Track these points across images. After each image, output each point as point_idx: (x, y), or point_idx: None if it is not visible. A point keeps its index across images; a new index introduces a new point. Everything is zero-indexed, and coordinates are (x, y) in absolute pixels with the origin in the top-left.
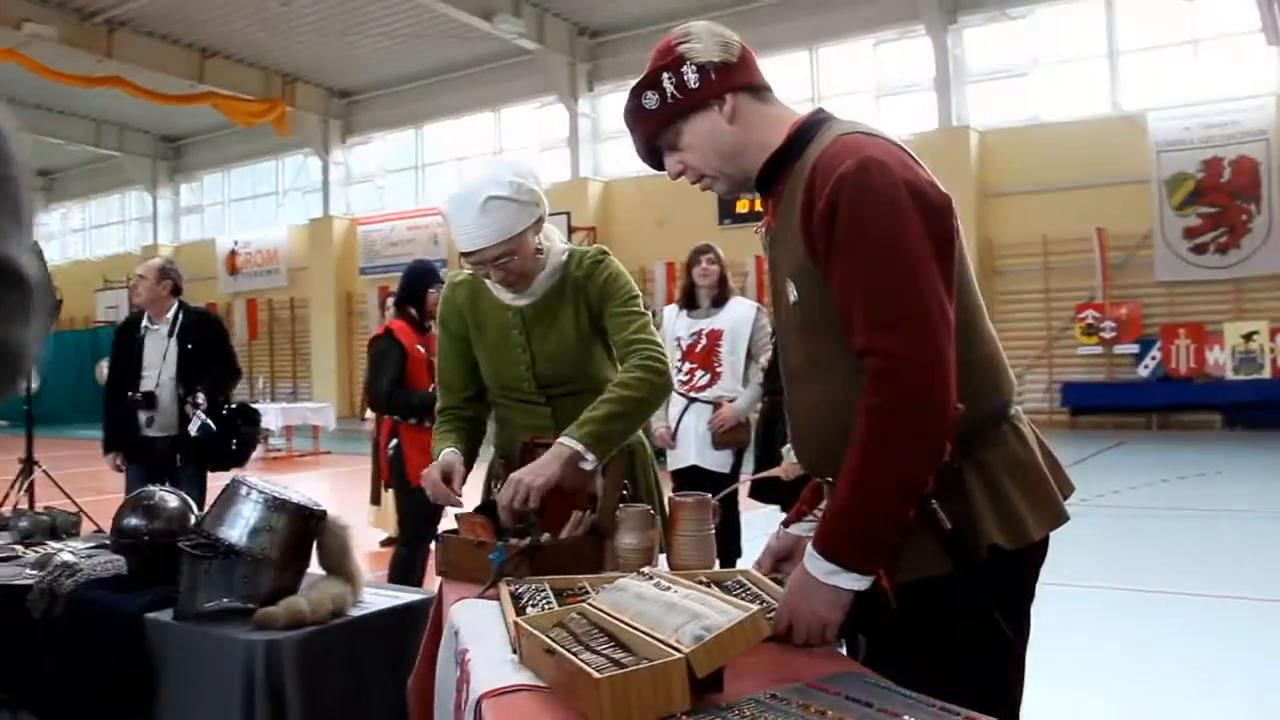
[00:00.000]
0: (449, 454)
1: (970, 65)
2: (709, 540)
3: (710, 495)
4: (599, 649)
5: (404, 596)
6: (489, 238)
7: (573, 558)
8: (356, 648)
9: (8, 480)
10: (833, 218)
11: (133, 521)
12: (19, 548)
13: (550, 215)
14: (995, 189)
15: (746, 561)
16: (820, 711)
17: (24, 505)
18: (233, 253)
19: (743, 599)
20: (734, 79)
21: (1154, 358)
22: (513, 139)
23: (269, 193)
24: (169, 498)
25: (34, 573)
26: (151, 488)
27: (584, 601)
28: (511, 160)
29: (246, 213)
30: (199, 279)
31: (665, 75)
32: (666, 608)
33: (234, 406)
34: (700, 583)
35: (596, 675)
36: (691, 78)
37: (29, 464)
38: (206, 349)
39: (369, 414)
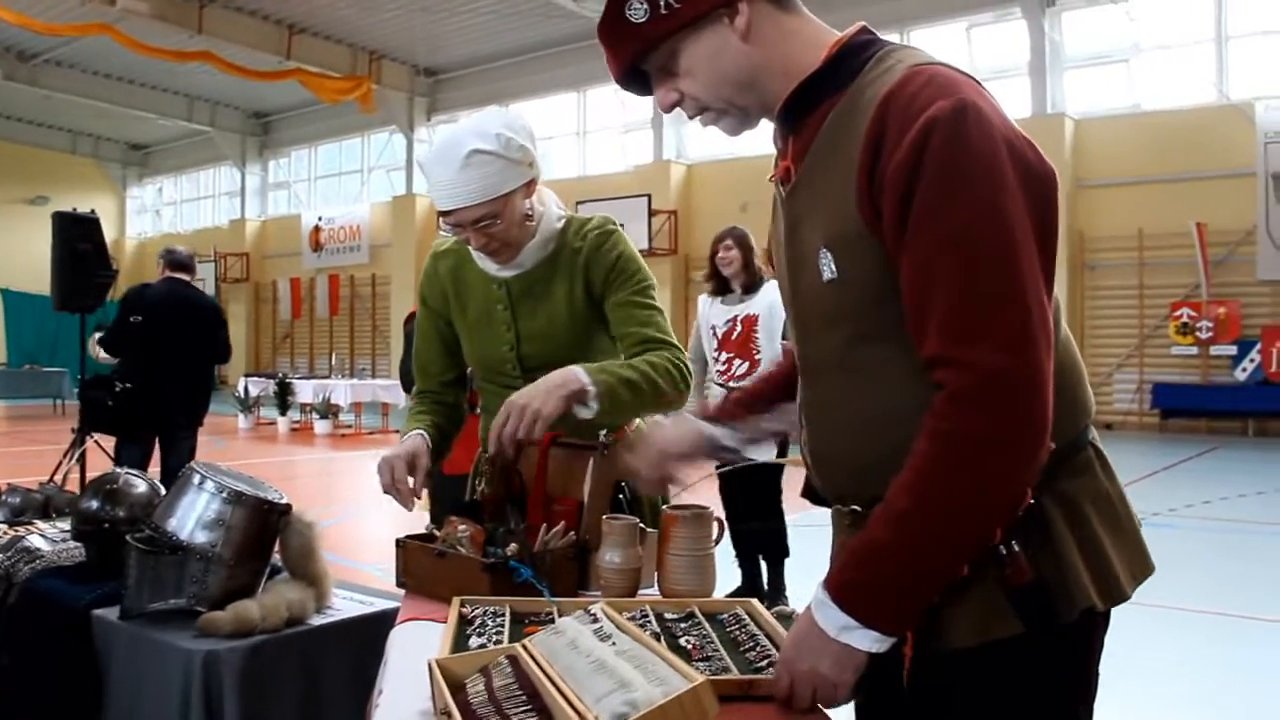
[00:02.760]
0: (415, 439)
1: (1068, 50)
2: (707, 561)
3: (709, 509)
4: (512, 713)
5: (379, 604)
6: (469, 196)
7: (548, 575)
8: (314, 661)
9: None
10: (915, 172)
11: (92, 505)
12: (3, 527)
13: (632, 198)
14: (1090, 180)
15: (797, 563)
16: None
17: (75, 475)
18: (316, 229)
19: (736, 640)
20: None
21: (1253, 360)
22: (596, 119)
23: (354, 170)
24: (137, 482)
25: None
26: (119, 469)
27: (531, 639)
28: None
29: (332, 189)
30: (284, 255)
31: None
32: (596, 667)
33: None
34: (664, 622)
35: None
36: None
37: (81, 434)
38: None
39: None
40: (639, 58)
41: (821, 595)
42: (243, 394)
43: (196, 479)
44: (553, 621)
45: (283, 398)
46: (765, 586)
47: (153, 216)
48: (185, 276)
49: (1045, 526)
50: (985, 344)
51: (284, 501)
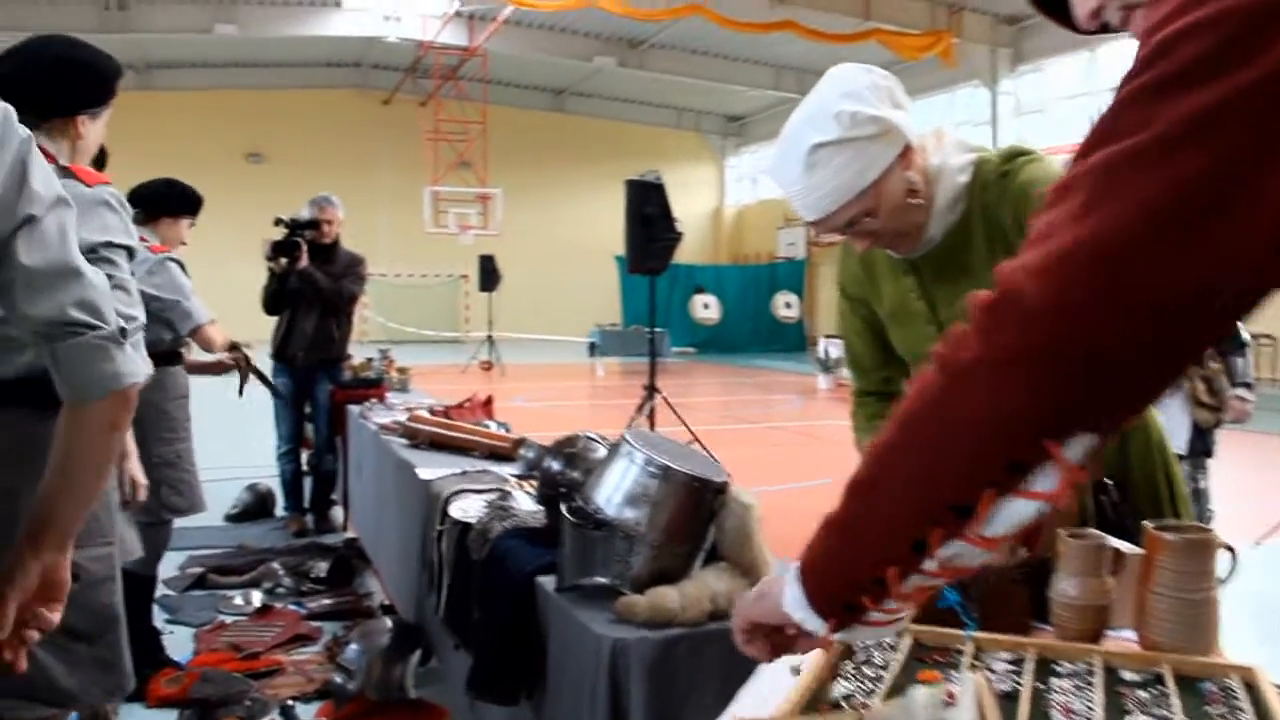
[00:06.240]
0: None
1: None
2: (1204, 608)
3: (1213, 533)
4: None
5: None
6: (828, 201)
7: (984, 602)
8: (738, 660)
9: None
10: None
11: (552, 467)
12: (513, 480)
13: None
14: None
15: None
16: None
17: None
18: None
19: None
20: None
21: None
22: None
23: None
24: (598, 446)
25: (483, 510)
26: (581, 432)
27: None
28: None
29: None
30: None
31: None
32: None
33: None
34: (1132, 684)
35: None
36: None
37: (651, 390)
38: None
39: None
40: None
41: None
42: (823, 355)
43: (625, 449)
44: (957, 662)
45: None
46: None
47: (749, 184)
48: None
49: None
50: None
51: (720, 479)
